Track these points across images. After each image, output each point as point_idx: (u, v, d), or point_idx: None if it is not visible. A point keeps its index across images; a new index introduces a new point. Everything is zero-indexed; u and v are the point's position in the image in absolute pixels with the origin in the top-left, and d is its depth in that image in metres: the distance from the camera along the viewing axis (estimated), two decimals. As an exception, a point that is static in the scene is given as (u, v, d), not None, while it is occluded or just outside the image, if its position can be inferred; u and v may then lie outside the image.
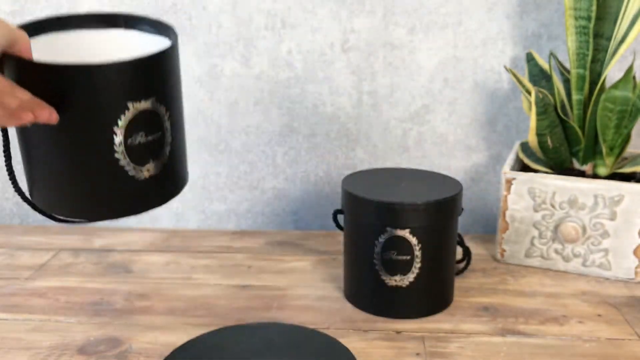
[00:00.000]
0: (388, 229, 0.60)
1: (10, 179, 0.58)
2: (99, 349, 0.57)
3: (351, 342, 0.57)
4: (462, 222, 0.92)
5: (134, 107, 0.49)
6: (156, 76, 0.52)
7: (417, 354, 0.56)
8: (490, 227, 0.91)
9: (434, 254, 0.62)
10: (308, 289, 0.69)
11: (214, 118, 0.89)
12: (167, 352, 0.56)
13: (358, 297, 0.65)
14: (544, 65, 0.77)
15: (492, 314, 0.63)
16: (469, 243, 0.82)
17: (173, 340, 0.58)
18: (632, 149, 0.83)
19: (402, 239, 0.60)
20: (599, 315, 0.63)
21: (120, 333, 0.60)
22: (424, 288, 0.62)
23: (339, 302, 0.66)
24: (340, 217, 0.69)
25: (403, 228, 0.60)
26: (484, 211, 0.91)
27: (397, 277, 0.61)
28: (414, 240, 0.60)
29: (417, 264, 0.61)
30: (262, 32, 0.85)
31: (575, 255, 0.71)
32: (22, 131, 0.55)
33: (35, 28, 0.58)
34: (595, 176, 0.74)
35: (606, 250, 0.70)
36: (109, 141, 0.50)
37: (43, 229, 0.89)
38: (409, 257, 0.60)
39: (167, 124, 0.53)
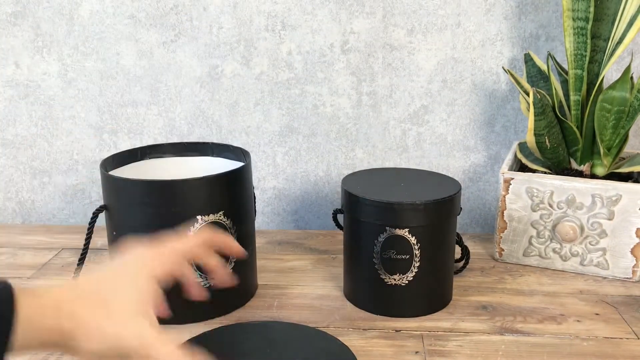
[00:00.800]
0: (387, 228, 0.60)
1: None
2: (101, 348, 0.57)
3: (351, 341, 0.58)
4: (461, 222, 0.92)
5: (202, 219, 0.57)
6: (224, 193, 0.60)
7: (416, 352, 0.56)
8: (489, 227, 0.92)
9: (433, 253, 0.62)
10: (308, 288, 0.70)
11: (214, 118, 0.89)
12: (168, 351, 0.57)
13: (357, 296, 0.65)
14: (542, 66, 0.78)
15: (490, 312, 0.64)
16: (467, 242, 0.82)
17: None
18: (629, 149, 0.83)
19: (402, 238, 0.60)
20: (597, 314, 0.63)
21: (122, 331, 0.60)
22: (422, 287, 0.63)
23: (338, 301, 0.66)
24: (340, 217, 0.69)
25: (402, 228, 0.60)
26: (483, 211, 0.92)
27: (396, 276, 0.62)
28: (413, 240, 0.60)
29: (416, 263, 0.61)
30: (263, 33, 0.85)
31: (573, 255, 0.72)
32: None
33: (135, 154, 0.71)
34: (593, 176, 0.75)
35: (604, 250, 0.70)
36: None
37: (45, 229, 0.89)
38: (408, 257, 0.61)
39: (234, 237, 0.59)
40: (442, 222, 0.62)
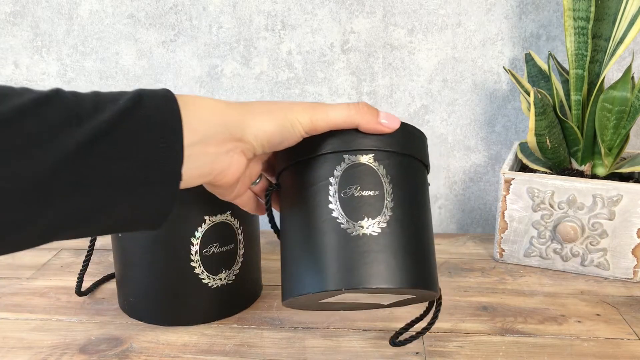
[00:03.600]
0: (346, 157, 0.43)
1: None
2: (100, 348, 0.57)
3: (350, 342, 0.58)
4: (461, 222, 0.92)
5: (210, 220, 0.55)
6: None
7: (417, 353, 0.56)
8: (489, 227, 0.92)
9: (409, 190, 0.43)
10: (308, 289, 0.69)
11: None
12: (168, 351, 0.56)
13: (315, 258, 0.42)
14: (543, 65, 0.77)
15: (490, 313, 0.64)
16: (468, 243, 0.82)
17: (174, 339, 0.58)
18: (630, 149, 0.83)
19: (366, 168, 0.42)
20: (598, 315, 0.63)
21: (122, 332, 0.60)
22: (402, 235, 0.41)
23: (338, 302, 0.66)
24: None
25: (365, 152, 0.43)
26: (483, 211, 0.91)
27: (364, 222, 0.40)
28: (381, 170, 0.42)
29: (389, 202, 0.41)
30: (262, 32, 0.85)
31: (574, 255, 0.72)
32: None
33: None
34: (593, 176, 0.75)
35: (604, 250, 0.70)
36: (187, 250, 0.58)
37: (44, 229, 0.89)
38: (377, 192, 0.42)
39: (241, 237, 0.59)
40: (414, 161, 0.44)
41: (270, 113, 0.38)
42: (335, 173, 0.41)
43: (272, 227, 0.47)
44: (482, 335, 0.59)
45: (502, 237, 0.75)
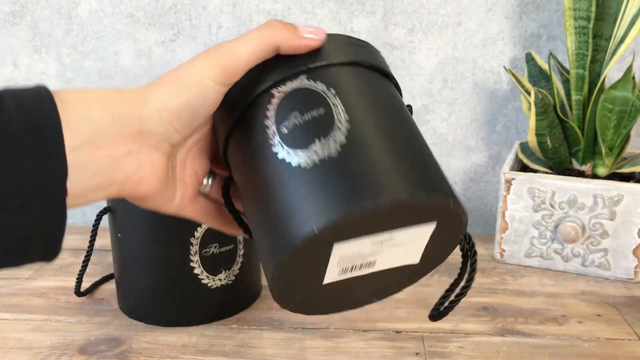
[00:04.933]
0: (274, 91, 0.35)
1: None
2: (99, 349, 0.57)
3: (350, 342, 0.58)
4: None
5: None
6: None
7: (417, 354, 0.56)
8: (490, 227, 0.91)
9: (363, 103, 0.35)
10: (308, 289, 0.69)
11: (214, 118, 0.89)
12: (167, 352, 0.56)
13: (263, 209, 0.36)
14: (544, 65, 0.77)
15: (491, 313, 0.63)
16: (468, 243, 0.82)
17: (173, 340, 0.58)
18: (631, 149, 0.83)
19: (309, 91, 0.35)
20: (599, 315, 0.63)
21: (121, 333, 0.60)
22: (366, 154, 0.31)
23: (338, 302, 0.66)
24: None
25: (298, 74, 0.35)
26: (484, 211, 0.91)
27: (317, 146, 0.32)
28: (322, 87, 0.35)
29: (340, 119, 0.32)
30: (262, 32, 0.85)
31: (575, 255, 0.72)
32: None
33: None
34: (594, 176, 0.75)
35: (605, 250, 0.70)
36: (186, 251, 0.56)
37: (43, 229, 0.89)
38: (323, 111, 0.33)
39: (240, 237, 0.56)
40: (361, 62, 0.35)
41: (167, 83, 0.29)
42: (268, 114, 0.32)
43: (240, 226, 0.37)
44: (483, 335, 0.59)
45: (502, 238, 0.75)
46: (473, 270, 0.40)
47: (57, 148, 0.24)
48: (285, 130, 0.31)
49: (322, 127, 0.30)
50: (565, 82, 0.76)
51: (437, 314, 0.43)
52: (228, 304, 0.63)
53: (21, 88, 0.25)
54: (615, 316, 0.63)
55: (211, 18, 0.85)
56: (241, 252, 0.62)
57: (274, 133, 0.31)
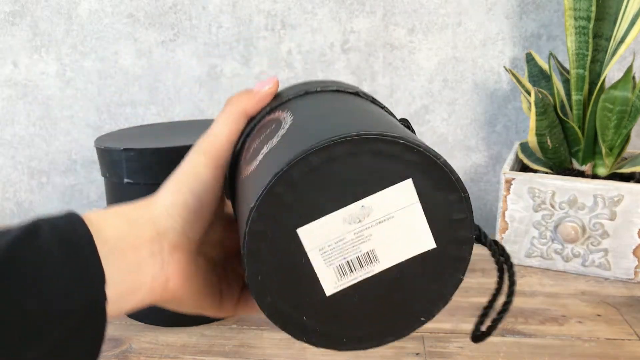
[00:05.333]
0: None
1: None
2: (99, 349, 0.57)
3: (351, 342, 0.58)
4: (462, 222, 0.92)
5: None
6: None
7: (417, 354, 0.56)
8: (490, 227, 0.91)
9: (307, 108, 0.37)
10: (308, 289, 0.69)
11: (214, 118, 0.89)
12: (167, 352, 0.56)
13: None
14: (544, 65, 0.77)
15: (491, 314, 0.63)
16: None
17: (173, 340, 0.58)
18: (631, 149, 0.83)
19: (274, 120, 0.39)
20: (599, 315, 0.63)
21: (121, 333, 0.60)
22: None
23: (338, 302, 0.66)
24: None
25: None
26: (484, 211, 0.91)
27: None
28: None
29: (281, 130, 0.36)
30: (262, 32, 0.85)
31: (575, 256, 0.72)
32: None
33: None
34: (594, 176, 0.74)
35: (605, 251, 0.70)
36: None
37: (43, 229, 0.89)
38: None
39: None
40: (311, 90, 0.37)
41: (169, 182, 0.32)
42: (241, 158, 0.34)
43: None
44: (483, 336, 0.59)
45: (502, 238, 0.75)
46: (512, 284, 0.36)
47: (93, 258, 0.26)
48: (246, 155, 0.32)
49: (272, 134, 0.31)
50: (566, 82, 0.76)
51: (479, 334, 0.38)
52: None
53: (54, 216, 0.28)
54: (616, 316, 0.63)
55: (211, 18, 0.85)
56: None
57: (242, 162, 0.33)
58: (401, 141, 0.27)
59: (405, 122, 0.35)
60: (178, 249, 0.31)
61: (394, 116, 0.36)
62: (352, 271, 0.29)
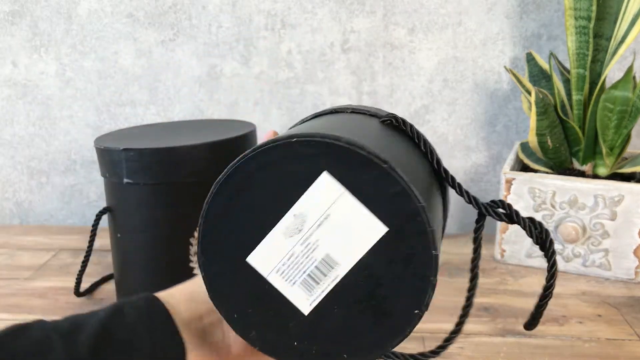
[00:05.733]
0: None
1: None
2: (98, 349, 0.57)
3: (351, 343, 0.57)
4: (462, 223, 0.92)
5: None
6: None
7: (417, 354, 0.56)
8: (490, 227, 0.91)
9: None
10: (308, 289, 0.69)
11: (213, 118, 0.89)
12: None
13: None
14: (544, 65, 0.77)
15: (492, 314, 0.63)
16: (468, 243, 0.82)
17: (173, 341, 0.58)
18: (631, 149, 0.83)
19: None
20: (599, 316, 0.63)
21: (120, 333, 0.60)
22: None
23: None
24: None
25: None
26: (484, 211, 0.91)
27: None
28: None
29: None
30: (262, 32, 0.85)
31: (575, 256, 0.71)
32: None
33: None
34: (595, 176, 0.74)
35: (606, 251, 0.70)
36: (186, 251, 0.54)
37: (43, 229, 0.89)
38: None
39: None
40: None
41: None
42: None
43: None
44: (483, 336, 0.59)
45: (503, 238, 0.75)
46: (553, 265, 0.33)
47: (173, 329, 0.31)
48: None
49: None
50: (566, 82, 0.76)
51: (531, 320, 0.38)
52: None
53: (132, 298, 0.33)
54: (616, 316, 0.62)
55: (211, 18, 0.85)
56: None
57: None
58: (298, 139, 0.26)
59: (390, 117, 0.34)
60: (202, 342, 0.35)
61: (390, 119, 0.34)
62: (317, 283, 0.28)
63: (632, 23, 0.66)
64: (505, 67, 0.81)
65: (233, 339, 0.35)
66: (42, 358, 0.28)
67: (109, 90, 0.89)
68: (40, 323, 0.31)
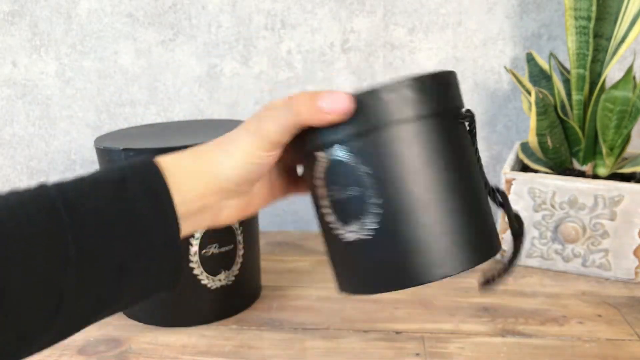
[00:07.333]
0: (317, 154, 0.38)
1: None
2: (98, 349, 0.57)
3: (351, 343, 0.57)
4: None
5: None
6: None
7: (417, 354, 0.56)
8: (490, 227, 0.91)
9: (399, 175, 0.34)
10: (308, 289, 0.69)
11: (213, 118, 0.89)
12: (167, 353, 0.56)
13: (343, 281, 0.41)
14: (544, 65, 0.77)
15: (492, 314, 0.63)
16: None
17: (173, 340, 0.58)
18: (632, 149, 0.83)
19: (343, 164, 0.36)
20: (599, 316, 0.63)
21: (120, 333, 0.60)
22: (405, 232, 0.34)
23: (338, 302, 0.66)
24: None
25: (330, 144, 0.36)
26: (484, 211, 0.91)
27: (354, 227, 0.36)
28: (354, 160, 0.35)
29: (371, 199, 0.34)
30: (262, 32, 0.85)
31: (575, 256, 0.71)
32: None
33: None
34: (595, 176, 0.74)
35: (606, 251, 0.70)
36: (186, 251, 0.53)
37: (42, 229, 0.89)
38: (358, 192, 0.35)
39: (240, 238, 0.53)
40: (404, 119, 0.33)
41: (227, 155, 0.36)
42: (318, 174, 0.35)
43: None
44: (483, 336, 0.59)
45: (503, 238, 0.75)
46: (519, 242, 0.38)
47: (172, 208, 0.33)
48: (331, 199, 0.34)
49: (357, 210, 0.33)
50: (566, 82, 0.76)
51: (487, 281, 0.39)
52: (227, 305, 0.62)
53: (136, 162, 0.34)
54: (616, 317, 0.62)
55: (211, 17, 0.85)
56: (241, 252, 0.62)
57: (325, 196, 0.35)
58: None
59: (469, 117, 0.34)
60: (234, 195, 0.37)
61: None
62: None
63: (632, 23, 0.66)
64: (505, 67, 0.81)
65: (229, 210, 0.38)
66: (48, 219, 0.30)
67: (108, 90, 0.89)
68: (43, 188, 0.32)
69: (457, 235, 0.32)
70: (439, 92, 0.33)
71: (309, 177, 0.36)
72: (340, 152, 0.33)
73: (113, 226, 0.31)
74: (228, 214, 0.38)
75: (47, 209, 0.30)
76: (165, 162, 0.34)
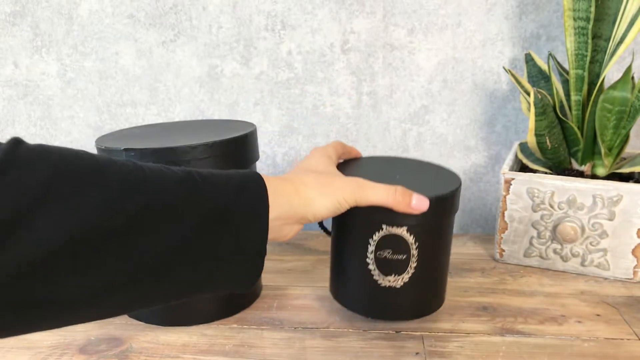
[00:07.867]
0: (384, 226, 0.54)
1: None
2: (100, 349, 0.57)
3: (350, 342, 0.58)
4: (461, 222, 0.92)
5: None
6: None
7: (417, 354, 0.56)
8: (489, 227, 0.92)
9: (431, 253, 0.56)
10: (308, 289, 0.69)
11: (214, 118, 0.89)
12: (167, 352, 0.56)
13: (348, 298, 0.60)
14: (543, 66, 0.77)
15: (491, 313, 0.63)
16: (468, 243, 0.82)
17: (173, 340, 0.58)
18: (630, 149, 0.83)
19: (399, 237, 0.55)
20: (598, 315, 0.63)
21: (121, 332, 0.60)
22: (419, 288, 0.57)
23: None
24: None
25: (400, 226, 0.54)
26: (483, 211, 0.91)
27: (391, 278, 0.56)
28: (411, 239, 0.55)
29: (412, 264, 0.56)
30: (262, 32, 0.85)
31: (574, 255, 0.72)
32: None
33: None
34: (593, 176, 0.75)
35: (605, 250, 0.70)
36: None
37: (44, 229, 0.89)
38: (404, 257, 0.55)
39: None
40: (443, 219, 0.56)
41: (326, 196, 0.47)
42: (375, 237, 0.53)
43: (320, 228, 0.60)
44: (482, 335, 0.59)
45: (502, 238, 0.75)
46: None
47: (266, 222, 0.41)
48: (378, 256, 0.54)
49: (399, 268, 0.55)
50: (565, 82, 0.76)
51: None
52: (228, 304, 0.63)
53: (247, 177, 0.42)
54: (615, 316, 0.63)
55: (211, 18, 0.85)
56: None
57: (372, 252, 0.54)
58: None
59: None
60: (301, 224, 0.47)
61: None
62: None
63: (631, 24, 0.66)
64: (504, 67, 0.82)
65: (292, 233, 0.47)
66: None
67: (109, 90, 0.89)
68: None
69: (443, 287, 0.60)
70: (457, 198, 0.56)
71: (357, 232, 0.55)
72: (402, 231, 0.53)
73: (226, 219, 0.38)
74: (287, 233, 0.46)
75: (188, 179, 0.39)
76: (268, 181, 0.43)
